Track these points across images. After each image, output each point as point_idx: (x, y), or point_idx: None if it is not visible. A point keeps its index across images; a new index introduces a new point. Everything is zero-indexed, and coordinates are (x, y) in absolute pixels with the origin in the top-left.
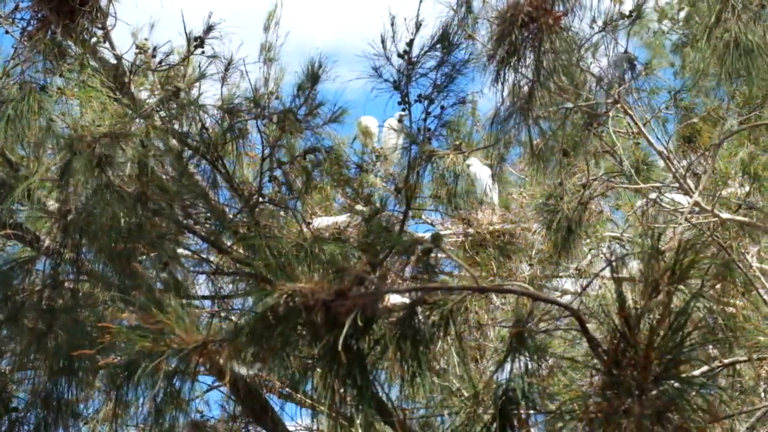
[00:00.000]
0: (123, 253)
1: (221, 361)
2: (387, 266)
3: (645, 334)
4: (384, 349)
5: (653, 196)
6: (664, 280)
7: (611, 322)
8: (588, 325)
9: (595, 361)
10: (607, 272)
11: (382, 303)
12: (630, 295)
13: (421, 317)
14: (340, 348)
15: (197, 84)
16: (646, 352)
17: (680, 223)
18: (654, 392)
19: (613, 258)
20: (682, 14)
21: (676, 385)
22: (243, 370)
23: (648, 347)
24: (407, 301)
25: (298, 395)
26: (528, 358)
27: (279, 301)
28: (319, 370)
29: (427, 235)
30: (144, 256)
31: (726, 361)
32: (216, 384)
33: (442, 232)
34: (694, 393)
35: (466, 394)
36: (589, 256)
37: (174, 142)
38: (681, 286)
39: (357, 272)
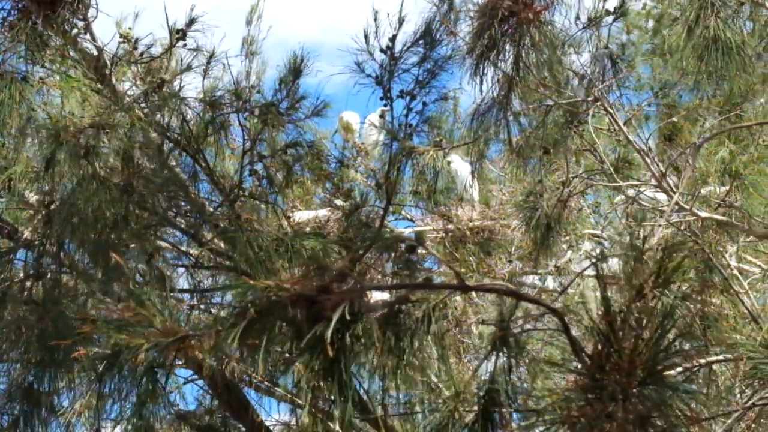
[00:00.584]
0: (108, 245)
1: (199, 355)
2: (367, 262)
3: (629, 335)
4: (369, 344)
5: (632, 193)
6: (648, 284)
7: (596, 326)
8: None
9: (578, 364)
10: (588, 271)
11: (366, 299)
12: (610, 293)
13: (404, 314)
14: (328, 340)
15: (180, 76)
16: (631, 357)
17: (660, 224)
18: (637, 397)
19: (596, 258)
20: (650, 24)
21: (660, 390)
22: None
23: (632, 352)
24: (387, 297)
25: (277, 389)
26: (511, 358)
27: (261, 296)
28: (299, 365)
29: (408, 231)
30: (127, 248)
31: (703, 361)
32: (192, 378)
33: (421, 228)
34: (677, 398)
35: (446, 392)
36: (569, 254)
37: (154, 134)
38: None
39: (339, 268)
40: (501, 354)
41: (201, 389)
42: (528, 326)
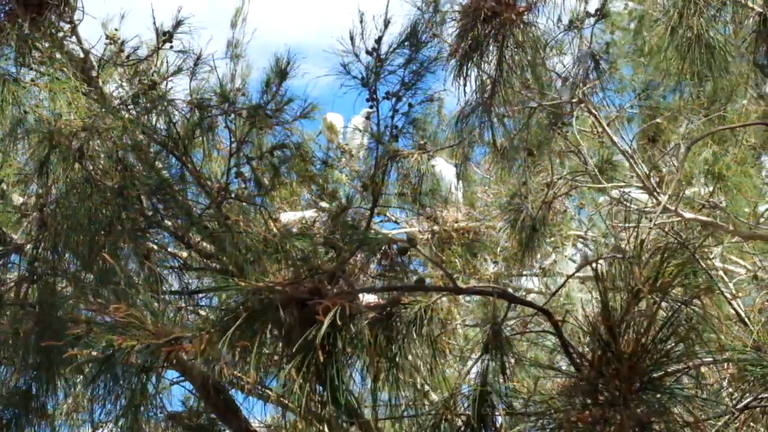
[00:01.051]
0: (101, 247)
1: (185, 356)
2: (354, 264)
3: (629, 341)
4: (361, 347)
5: (615, 194)
6: (645, 288)
7: (596, 331)
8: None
9: (570, 366)
10: (580, 273)
11: (358, 302)
12: (596, 295)
13: (396, 316)
14: (318, 343)
15: (171, 78)
16: (631, 363)
17: (648, 226)
18: (636, 402)
19: (593, 260)
20: (633, 25)
21: (660, 395)
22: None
23: (631, 358)
24: (374, 299)
25: (264, 391)
26: (505, 360)
27: (252, 298)
28: (290, 368)
29: (394, 233)
30: (121, 249)
31: (692, 363)
32: (178, 379)
33: (408, 230)
34: (677, 402)
35: (433, 395)
36: (553, 255)
37: (142, 136)
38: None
39: (331, 270)
40: (494, 356)
41: (187, 391)
42: (520, 328)
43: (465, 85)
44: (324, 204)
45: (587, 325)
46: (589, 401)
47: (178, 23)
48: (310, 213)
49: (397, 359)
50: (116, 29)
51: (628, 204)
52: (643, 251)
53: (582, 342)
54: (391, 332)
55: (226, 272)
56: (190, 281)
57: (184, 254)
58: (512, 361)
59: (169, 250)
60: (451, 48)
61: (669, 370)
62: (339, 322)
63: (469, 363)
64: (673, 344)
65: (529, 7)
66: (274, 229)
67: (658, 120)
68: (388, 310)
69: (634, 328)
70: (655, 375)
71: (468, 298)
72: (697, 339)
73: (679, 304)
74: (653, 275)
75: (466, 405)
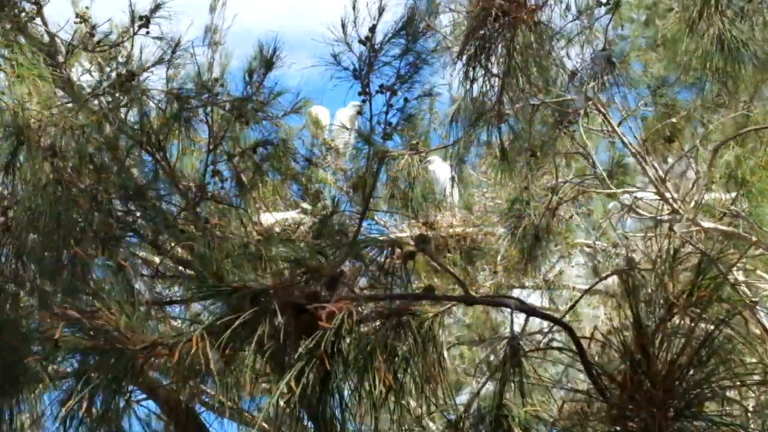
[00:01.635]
0: (72, 256)
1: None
2: (348, 271)
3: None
4: (365, 358)
5: (626, 200)
6: (680, 302)
7: (626, 350)
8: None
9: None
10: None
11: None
12: (607, 310)
13: (403, 327)
14: (324, 351)
15: (147, 69)
16: (666, 387)
17: (674, 236)
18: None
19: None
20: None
21: (700, 424)
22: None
23: (666, 380)
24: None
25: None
26: (523, 380)
27: (243, 302)
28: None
29: (385, 234)
30: (93, 259)
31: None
32: (142, 399)
33: (398, 235)
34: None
35: (433, 424)
36: (557, 267)
37: (117, 132)
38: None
39: (331, 273)
40: (512, 374)
41: (152, 413)
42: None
43: (472, 87)
44: (305, 205)
45: (618, 343)
46: (618, 429)
47: (157, 7)
48: (292, 214)
49: (404, 375)
50: (87, 7)
51: (644, 213)
52: (675, 262)
53: (601, 361)
54: (400, 343)
55: (203, 280)
56: (162, 291)
57: (156, 260)
58: (526, 380)
59: (139, 254)
60: (458, 50)
61: (708, 394)
62: (347, 327)
63: (479, 381)
64: (713, 366)
65: (540, 6)
66: (255, 234)
67: (673, 120)
68: (397, 319)
69: (670, 348)
70: (692, 400)
71: (461, 313)
72: (738, 360)
73: (717, 321)
74: (688, 288)
75: (471, 423)
